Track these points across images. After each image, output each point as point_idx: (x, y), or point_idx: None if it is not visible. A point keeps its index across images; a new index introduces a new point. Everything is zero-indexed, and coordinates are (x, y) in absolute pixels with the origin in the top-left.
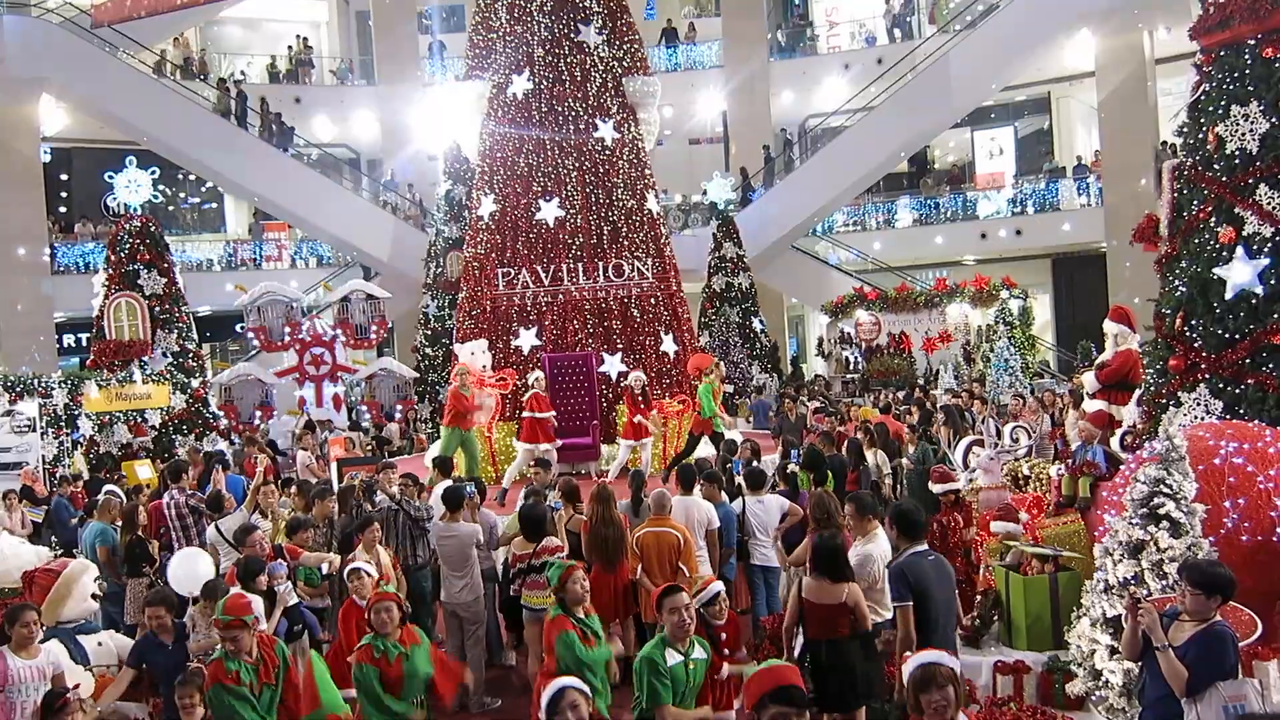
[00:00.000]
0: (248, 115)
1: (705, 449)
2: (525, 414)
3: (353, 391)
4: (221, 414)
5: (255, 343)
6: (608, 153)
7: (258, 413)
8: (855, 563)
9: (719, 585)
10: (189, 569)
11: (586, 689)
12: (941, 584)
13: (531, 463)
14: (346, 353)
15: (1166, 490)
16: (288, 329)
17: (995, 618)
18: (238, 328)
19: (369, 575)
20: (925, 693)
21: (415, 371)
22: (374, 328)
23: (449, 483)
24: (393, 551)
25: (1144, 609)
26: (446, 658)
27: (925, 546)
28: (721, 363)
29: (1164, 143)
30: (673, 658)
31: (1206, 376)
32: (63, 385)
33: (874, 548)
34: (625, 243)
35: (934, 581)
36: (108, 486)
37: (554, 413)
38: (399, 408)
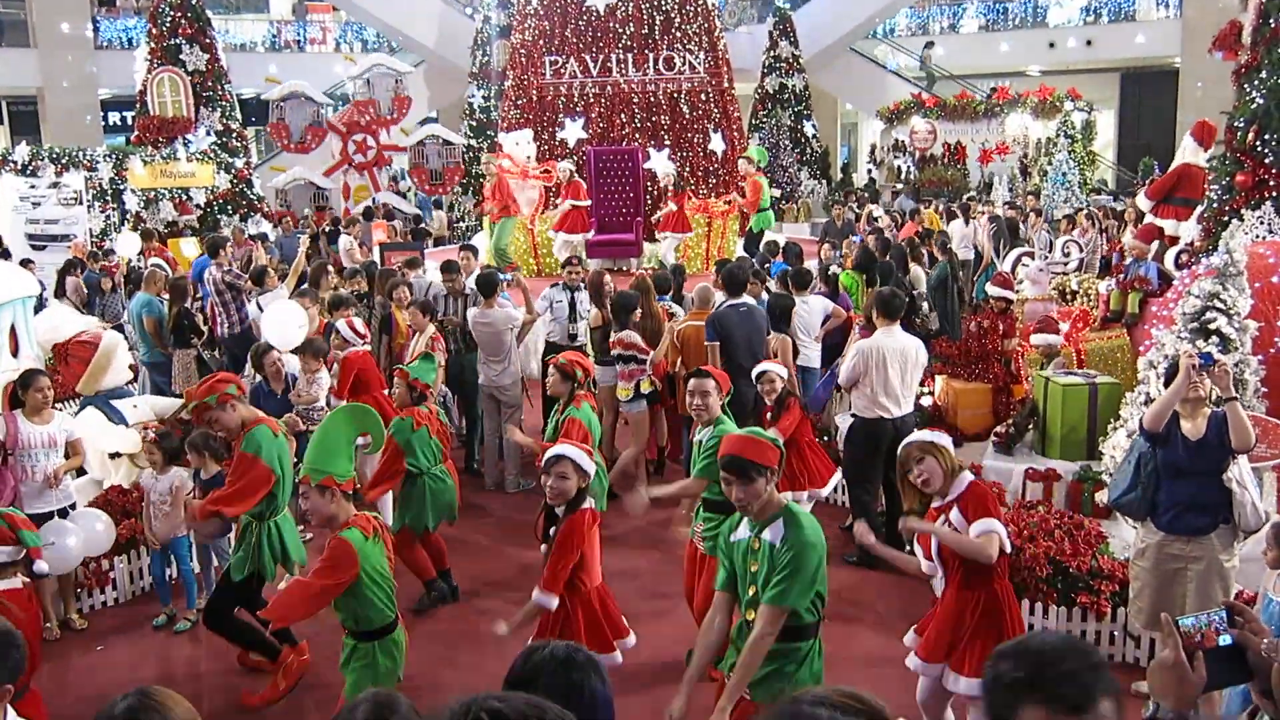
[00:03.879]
0: None
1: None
2: (568, 203)
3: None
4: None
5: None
6: None
7: (309, 135)
8: (849, 353)
9: (769, 365)
10: (282, 320)
11: (587, 464)
12: (742, 327)
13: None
14: (390, 133)
15: (1220, 305)
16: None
17: (1031, 427)
18: None
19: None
20: (908, 471)
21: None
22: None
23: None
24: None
25: (1221, 361)
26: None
27: (742, 300)
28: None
29: None
30: (698, 433)
31: (1274, 194)
32: (107, 159)
33: (867, 343)
34: (677, 34)
35: (736, 326)
36: (154, 259)
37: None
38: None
